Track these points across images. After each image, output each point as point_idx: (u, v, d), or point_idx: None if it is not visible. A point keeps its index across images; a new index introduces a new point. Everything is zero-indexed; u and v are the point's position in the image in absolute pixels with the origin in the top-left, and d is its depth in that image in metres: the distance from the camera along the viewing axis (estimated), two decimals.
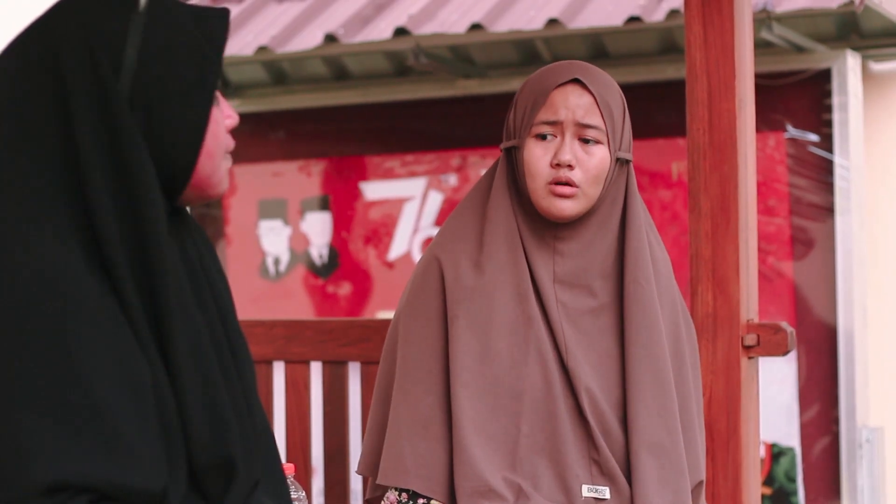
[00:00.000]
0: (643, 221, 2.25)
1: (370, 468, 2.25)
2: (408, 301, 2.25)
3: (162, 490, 1.35)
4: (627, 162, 2.23)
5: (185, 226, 1.54)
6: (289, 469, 2.04)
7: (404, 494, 2.16)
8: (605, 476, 2.14)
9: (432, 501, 2.14)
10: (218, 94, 1.49)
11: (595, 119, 2.16)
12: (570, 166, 2.14)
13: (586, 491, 2.13)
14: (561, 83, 2.18)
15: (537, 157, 2.17)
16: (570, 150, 2.15)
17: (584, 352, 2.17)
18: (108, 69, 1.40)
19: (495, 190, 2.24)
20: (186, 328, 1.42)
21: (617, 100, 2.21)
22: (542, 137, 2.17)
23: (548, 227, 2.20)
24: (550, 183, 2.15)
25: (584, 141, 2.16)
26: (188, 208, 1.56)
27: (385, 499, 2.19)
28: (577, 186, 2.15)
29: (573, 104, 2.16)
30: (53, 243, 1.35)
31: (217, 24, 1.46)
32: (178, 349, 1.40)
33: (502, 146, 2.25)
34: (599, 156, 2.16)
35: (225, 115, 1.50)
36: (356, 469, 2.29)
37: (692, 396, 2.25)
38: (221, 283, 1.57)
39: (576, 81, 2.18)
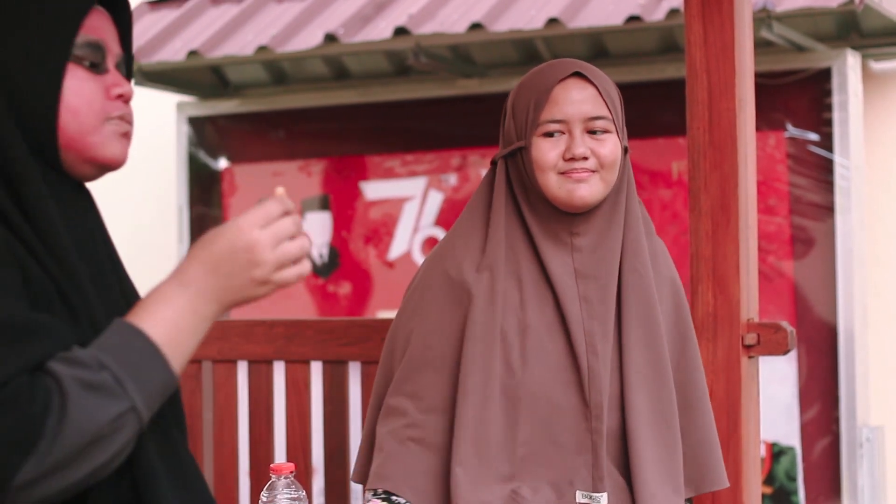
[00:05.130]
0: (639, 210, 2.25)
1: (361, 476, 2.28)
2: (413, 309, 2.25)
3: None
4: (627, 150, 2.23)
5: (84, 199, 1.61)
6: (288, 469, 2.04)
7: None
8: (605, 480, 2.14)
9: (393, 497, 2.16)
10: (108, 64, 1.59)
11: (602, 110, 2.16)
12: (584, 158, 2.14)
13: (580, 497, 2.13)
14: (562, 78, 2.17)
15: (545, 150, 2.15)
16: (583, 143, 2.15)
17: (601, 347, 2.17)
18: None
19: (496, 199, 2.23)
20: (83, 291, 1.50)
21: (615, 90, 2.22)
22: (550, 135, 2.16)
23: (563, 224, 2.19)
24: (563, 172, 2.14)
25: (592, 133, 2.16)
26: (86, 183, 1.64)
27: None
28: (593, 171, 2.15)
29: (578, 98, 2.16)
30: None
31: None
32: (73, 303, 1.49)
33: (501, 154, 2.23)
34: (611, 142, 2.16)
35: (111, 83, 1.59)
36: (351, 476, 2.31)
37: (704, 388, 2.27)
38: (119, 264, 1.64)
39: (576, 75, 2.17)
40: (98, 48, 1.57)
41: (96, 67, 1.58)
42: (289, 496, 2.04)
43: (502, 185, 2.22)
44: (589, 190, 2.14)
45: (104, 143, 1.58)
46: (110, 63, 1.60)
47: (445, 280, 2.21)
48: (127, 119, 1.60)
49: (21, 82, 1.52)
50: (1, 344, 1.38)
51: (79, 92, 1.56)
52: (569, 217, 2.18)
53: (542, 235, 2.19)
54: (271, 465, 2.05)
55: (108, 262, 1.60)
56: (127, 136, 1.61)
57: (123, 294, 1.61)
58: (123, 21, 1.65)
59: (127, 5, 1.66)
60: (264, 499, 2.04)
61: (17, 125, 1.52)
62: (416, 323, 2.23)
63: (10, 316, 1.40)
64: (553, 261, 2.17)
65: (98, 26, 1.59)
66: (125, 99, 1.60)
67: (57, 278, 1.47)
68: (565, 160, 2.14)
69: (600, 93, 2.17)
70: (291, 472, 2.05)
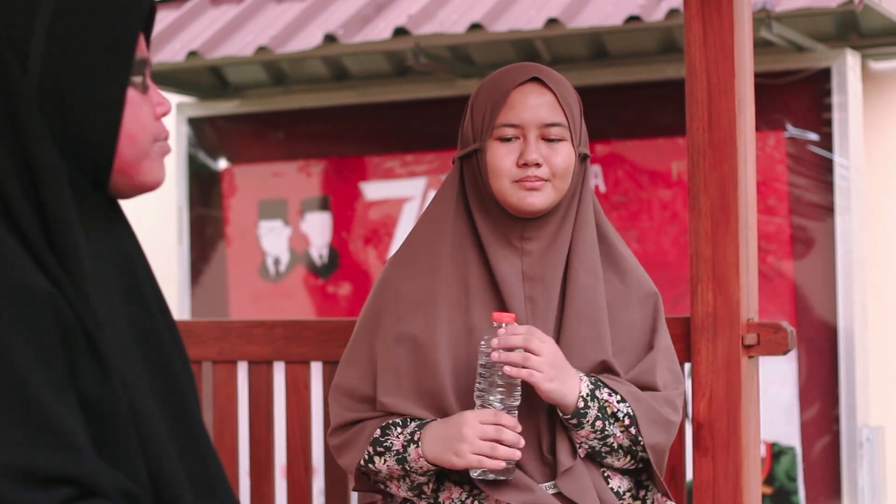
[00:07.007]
0: (592, 215, 2.26)
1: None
2: (360, 322, 2.32)
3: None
4: (586, 157, 2.25)
5: (122, 220, 1.55)
6: (509, 318, 2.11)
7: None
8: (551, 469, 2.18)
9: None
10: (148, 80, 1.51)
11: (558, 116, 2.18)
12: (537, 164, 2.16)
13: (546, 488, 2.17)
14: (520, 83, 2.18)
15: (501, 156, 2.17)
16: (536, 149, 2.16)
17: None
18: (14, 63, 1.42)
19: (441, 203, 2.25)
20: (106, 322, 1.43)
21: (574, 96, 2.23)
22: (506, 140, 2.17)
23: (514, 228, 2.21)
24: (517, 180, 2.16)
25: (548, 140, 2.18)
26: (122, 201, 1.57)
27: None
28: (546, 180, 2.16)
29: (534, 104, 2.17)
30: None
31: (133, 3, 1.48)
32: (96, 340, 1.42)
33: (457, 155, 2.25)
34: (565, 152, 2.18)
35: (155, 102, 1.52)
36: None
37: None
38: (152, 281, 1.58)
39: (534, 80, 2.19)
40: (144, 64, 1.50)
41: (143, 85, 1.50)
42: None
43: (455, 187, 2.25)
44: (540, 199, 2.17)
45: (152, 167, 1.52)
46: (149, 76, 1.53)
47: (390, 287, 2.26)
48: (167, 138, 1.55)
49: (80, 110, 1.44)
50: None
51: (135, 118, 1.48)
52: (521, 222, 2.21)
53: (492, 239, 2.21)
54: (493, 312, 2.12)
55: (149, 288, 1.54)
56: (166, 155, 1.55)
57: (161, 311, 1.55)
58: (147, 21, 1.55)
59: (153, 6, 1.57)
60: (484, 343, 2.10)
61: (71, 152, 1.44)
62: (360, 327, 2.31)
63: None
64: (501, 263, 2.19)
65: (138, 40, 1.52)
66: (162, 114, 1.55)
67: (88, 327, 1.40)
68: (519, 167, 2.16)
69: (558, 99, 2.18)
70: (513, 321, 2.11)
